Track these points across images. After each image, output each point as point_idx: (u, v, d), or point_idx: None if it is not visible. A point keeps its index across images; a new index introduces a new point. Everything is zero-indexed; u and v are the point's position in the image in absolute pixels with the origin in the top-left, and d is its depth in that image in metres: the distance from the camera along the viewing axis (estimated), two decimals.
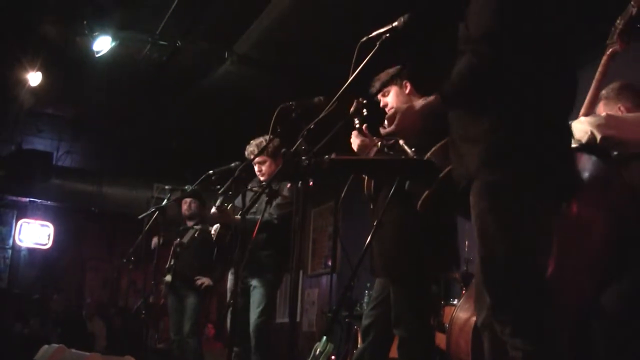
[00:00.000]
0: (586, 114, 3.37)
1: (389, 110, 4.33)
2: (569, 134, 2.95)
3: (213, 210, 5.60)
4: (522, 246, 2.60)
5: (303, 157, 3.09)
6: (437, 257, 3.91)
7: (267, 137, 5.18)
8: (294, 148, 3.18)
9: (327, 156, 3.17)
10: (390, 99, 4.30)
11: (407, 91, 4.29)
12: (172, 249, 7.32)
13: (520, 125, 2.64)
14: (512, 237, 2.60)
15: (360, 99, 3.83)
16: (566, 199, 2.93)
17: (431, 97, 2.84)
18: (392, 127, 2.91)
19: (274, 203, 5.56)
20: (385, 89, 4.27)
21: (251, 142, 5.77)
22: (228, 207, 5.58)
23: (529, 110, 2.66)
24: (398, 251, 3.95)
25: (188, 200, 7.50)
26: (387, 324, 4.14)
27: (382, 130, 3.10)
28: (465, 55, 2.72)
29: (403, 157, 3.65)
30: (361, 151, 4.07)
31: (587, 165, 3.14)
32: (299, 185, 3.16)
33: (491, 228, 2.63)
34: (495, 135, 2.64)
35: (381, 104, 4.30)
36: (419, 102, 2.87)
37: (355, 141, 4.10)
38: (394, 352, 4.25)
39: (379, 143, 3.99)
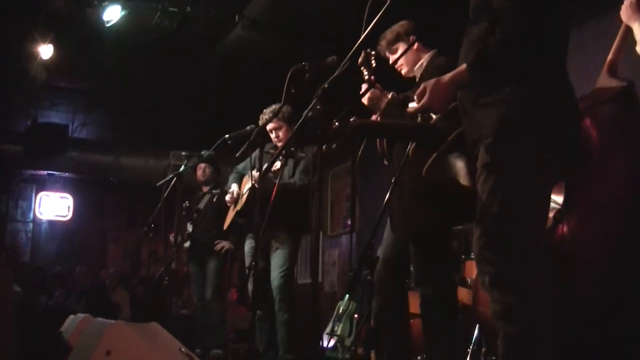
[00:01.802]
0: (613, 60, 3.35)
1: (399, 68, 4.31)
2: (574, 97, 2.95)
3: (255, 175, 5.56)
4: (515, 204, 2.66)
5: (333, 120, 3.07)
6: (457, 209, 3.88)
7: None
8: (309, 108, 3.17)
9: (352, 119, 3.16)
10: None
11: (414, 48, 4.26)
12: (188, 215, 7.35)
13: (540, 94, 2.67)
14: (509, 195, 2.66)
15: (368, 50, 3.80)
16: (567, 164, 2.92)
17: (458, 69, 2.81)
18: (424, 102, 2.86)
19: (300, 168, 5.58)
20: (393, 47, 4.24)
21: (265, 110, 5.75)
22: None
23: (547, 79, 2.71)
24: (417, 208, 3.94)
25: (202, 165, 7.55)
26: (398, 279, 4.15)
27: (411, 109, 3.08)
28: (485, 24, 2.76)
29: (419, 115, 3.62)
30: (372, 104, 4.02)
31: (609, 115, 3.12)
32: (323, 148, 3.14)
33: (491, 185, 2.68)
34: (517, 101, 2.67)
35: (390, 61, 4.27)
36: (447, 76, 2.83)
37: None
38: (415, 308, 4.25)
39: (390, 95, 3.96)
